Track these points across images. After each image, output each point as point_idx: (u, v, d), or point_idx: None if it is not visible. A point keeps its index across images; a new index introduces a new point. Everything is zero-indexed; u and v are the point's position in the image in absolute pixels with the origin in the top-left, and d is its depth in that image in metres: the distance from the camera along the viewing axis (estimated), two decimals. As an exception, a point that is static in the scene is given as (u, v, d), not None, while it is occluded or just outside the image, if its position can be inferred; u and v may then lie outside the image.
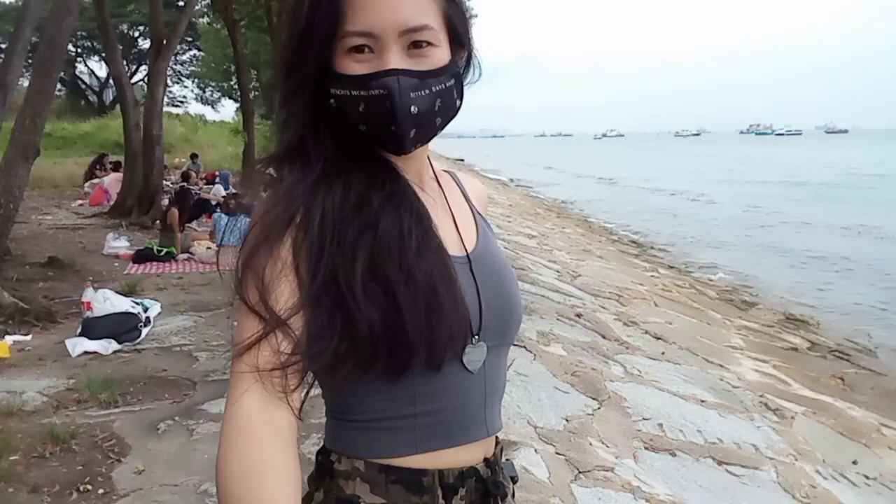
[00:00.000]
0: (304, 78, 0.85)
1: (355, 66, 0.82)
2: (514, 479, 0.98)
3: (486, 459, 0.92)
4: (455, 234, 0.93)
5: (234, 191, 11.51)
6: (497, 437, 0.96)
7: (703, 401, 4.19)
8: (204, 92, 43.99)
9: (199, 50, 39.72)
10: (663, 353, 5.28)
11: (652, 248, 13.60)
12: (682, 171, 38.46)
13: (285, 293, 0.79)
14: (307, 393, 0.87)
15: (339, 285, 0.78)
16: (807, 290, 10.31)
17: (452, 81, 0.86)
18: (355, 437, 0.86)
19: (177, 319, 5.50)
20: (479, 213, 1.03)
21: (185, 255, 8.11)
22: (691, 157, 64.37)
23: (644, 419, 3.64)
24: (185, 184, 12.25)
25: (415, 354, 0.80)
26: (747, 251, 13.42)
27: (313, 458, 0.91)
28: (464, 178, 1.08)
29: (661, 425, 3.59)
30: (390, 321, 0.78)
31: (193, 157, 17.68)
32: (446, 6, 0.86)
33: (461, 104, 0.90)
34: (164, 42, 10.88)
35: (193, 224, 9.66)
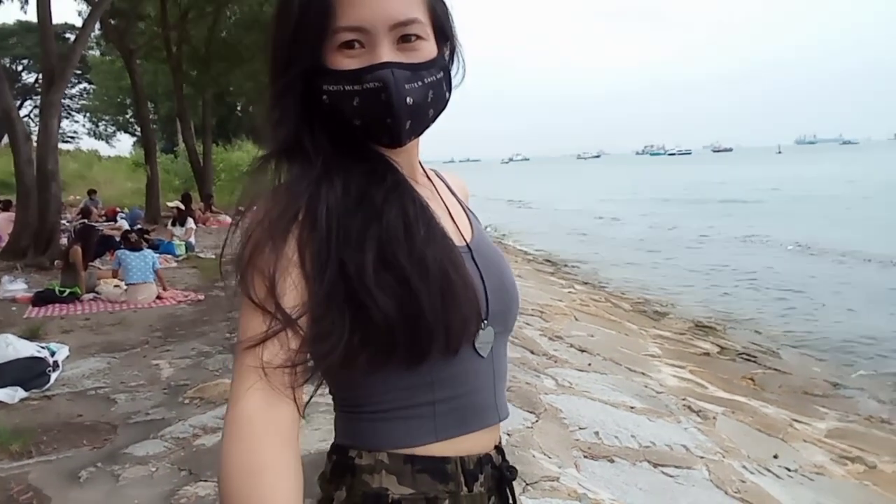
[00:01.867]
0: (296, 76, 0.84)
1: (347, 62, 0.82)
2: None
3: (496, 446, 0.94)
4: (452, 225, 0.94)
5: (139, 226, 11.00)
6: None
7: (632, 407, 4.33)
8: (97, 126, 42.09)
9: (90, 83, 38.06)
10: (590, 365, 5.43)
11: (566, 265, 14.02)
12: (587, 192, 40.00)
13: (292, 290, 0.78)
14: (315, 391, 0.86)
15: (349, 279, 0.78)
16: (711, 297, 10.91)
17: (441, 74, 0.87)
18: (374, 428, 0.86)
19: (88, 362, 5.17)
20: (468, 208, 1.05)
21: (91, 295, 7.67)
22: (594, 178, 67.13)
23: (581, 429, 3.73)
24: (86, 220, 11.59)
25: (434, 339, 0.80)
26: (653, 265, 14.06)
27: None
28: (447, 175, 1.10)
29: (597, 433, 3.68)
30: (406, 309, 0.78)
31: (91, 193, 16.80)
32: (431, 0, 0.87)
33: (450, 97, 0.91)
34: (57, 73, 10.34)
35: (97, 262, 9.15)
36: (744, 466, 3.61)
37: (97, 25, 13.18)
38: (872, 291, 10.77)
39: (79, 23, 15.74)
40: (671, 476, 3.31)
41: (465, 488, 0.86)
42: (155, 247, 10.06)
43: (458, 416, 0.87)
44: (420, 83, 0.84)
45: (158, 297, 7.67)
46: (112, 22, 14.83)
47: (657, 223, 21.92)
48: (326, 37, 0.82)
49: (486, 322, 0.88)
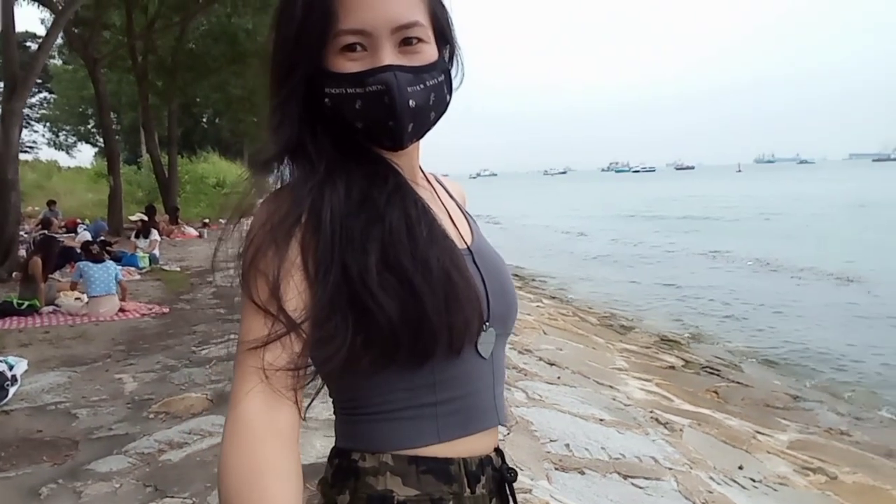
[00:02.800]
0: (298, 79, 0.84)
1: (349, 65, 0.83)
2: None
3: (495, 449, 0.95)
4: (453, 228, 0.94)
5: (102, 238, 10.76)
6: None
7: (601, 420, 4.36)
8: (57, 136, 41.21)
9: (51, 92, 37.31)
10: (559, 378, 5.46)
11: (533, 280, 14.11)
12: (554, 207, 40.43)
13: (295, 293, 0.78)
14: (315, 396, 0.87)
15: (352, 281, 0.78)
16: (675, 311, 11.10)
17: (443, 77, 0.88)
18: (377, 430, 0.85)
19: (48, 376, 5.03)
20: (467, 212, 1.06)
21: (51, 308, 7.47)
22: (561, 193, 67.89)
23: (552, 441, 3.74)
24: (46, 231, 11.31)
25: (438, 340, 0.80)
26: (619, 279, 14.25)
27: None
28: (444, 180, 1.10)
29: (567, 446, 3.70)
30: (410, 310, 0.78)
31: (50, 203, 16.39)
32: (431, 4, 0.88)
33: (451, 100, 0.91)
34: (20, 82, 10.11)
35: (56, 274, 8.92)
36: (711, 477, 3.66)
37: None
38: (828, 307, 11.08)
39: (41, 31, 15.46)
40: (641, 487, 3.34)
41: (468, 490, 0.86)
42: (117, 259, 9.86)
43: (460, 418, 0.87)
44: (422, 86, 0.84)
45: (121, 310, 7.51)
46: (76, 31, 14.58)
47: (622, 239, 22.24)
48: (328, 40, 0.82)
49: (487, 323, 0.89)
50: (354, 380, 0.84)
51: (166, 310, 7.76)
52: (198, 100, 21.67)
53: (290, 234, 0.80)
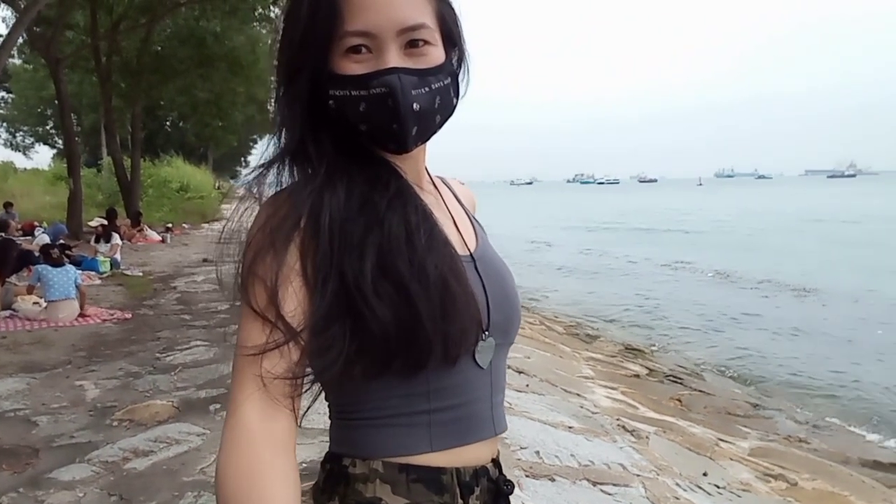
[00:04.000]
0: (303, 80, 0.83)
1: (354, 67, 0.81)
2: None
3: (493, 460, 0.93)
4: (456, 234, 0.93)
5: (61, 241, 10.48)
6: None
7: (570, 427, 4.41)
8: (14, 137, 40.10)
9: (9, 91, 36.33)
10: (527, 386, 5.50)
11: (500, 289, 14.19)
12: (520, 218, 40.73)
13: (293, 299, 0.78)
14: (312, 402, 0.86)
15: (348, 287, 0.77)
16: (639, 320, 11.29)
17: (449, 80, 0.86)
18: (368, 436, 0.84)
19: (5, 383, 4.89)
20: (474, 217, 1.04)
21: (7, 312, 7.26)
22: (527, 204, 68.45)
23: (522, 448, 3.77)
24: (3, 234, 10.98)
25: (433, 349, 0.79)
26: (584, 289, 14.42)
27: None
28: (454, 183, 1.08)
29: (538, 453, 3.73)
30: (404, 317, 0.77)
31: (7, 206, 15.89)
32: (439, 5, 0.87)
33: (458, 103, 0.90)
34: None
35: (13, 278, 8.65)
36: (677, 484, 3.73)
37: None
38: (785, 318, 11.37)
39: (2, 30, 15.07)
40: (610, 494, 3.38)
41: (460, 500, 0.85)
42: (77, 263, 9.60)
43: (455, 427, 0.86)
44: (427, 89, 0.83)
45: (81, 315, 7.32)
46: (38, 30, 14.23)
47: (588, 249, 22.53)
48: (334, 41, 0.81)
49: (486, 333, 0.87)
50: (349, 385, 0.83)
51: (128, 315, 7.59)
52: (162, 103, 21.27)
53: (289, 239, 0.79)
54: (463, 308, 0.81)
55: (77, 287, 7.43)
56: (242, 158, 63.97)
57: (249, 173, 0.88)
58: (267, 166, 0.86)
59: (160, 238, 15.47)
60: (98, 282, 9.77)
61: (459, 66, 0.91)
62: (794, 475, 4.50)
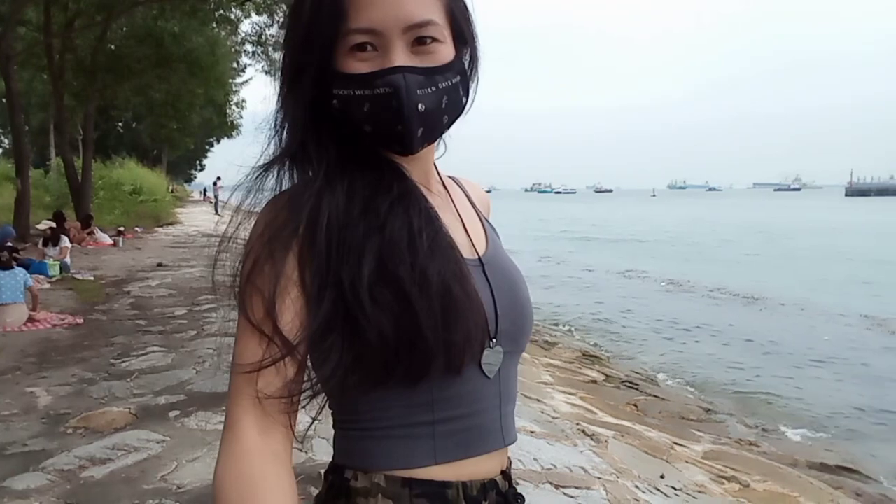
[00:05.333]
0: (306, 80, 0.81)
1: (358, 66, 0.79)
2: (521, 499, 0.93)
3: (502, 472, 0.89)
4: (465, 237, 0.89)
5: (9, 244, 10.12)
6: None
7: (532, 432, 4.47)
8: (-43, 134, 38.61)
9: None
10: (489, 392, 5.56)
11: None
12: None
13: (290, 310, 0.76)
14: (316, 416, 0.84)
15: (344, 295, 0.75)
16: (596, 328, 11.49)
17: (458, 78, 0.83)
18: (370, 447, 0.81)
19: (-48, 390, 4.70)
20: (486, 219, 1.00)
21: (-48, 317, 6.96)
22: (484, 212, 68.81)
23: (486, 453, 3.81)
24: (-56, 235, 10.54)
25: (434, 358, 0.76)
26: (542, 296, 14.59)
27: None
28: (468, 184, 1.05)
29: (501, 457, 3.78)
30: (404, 325, 0.74)
31: (-51, 205, 15.30)
32: (449, 1, 0.83)
33: (467, 102, 0.86)
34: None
35: (-43, 281, 8.33)
36: (636, 486, 3.82)
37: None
38: (735, 324, 11.73)
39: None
40: (572, 497, 3.45)
41: None
42: (26, 266, 9.29)
43: (460, 439, 0.82)
44: (434, 88, 0.79)
45: (31, 320, 7.09)
46: (-15, 24, 13.75)
47: (546, 257, 22.80)
48: (338, 39, 0.78)
49: (494, 341, 0.83)
50: (351, 395, 0.80)
51: (80, 320, 7.38)
52: (116, 103, 20.74)
53: (288, 248, 0.77)
54: (467, 315, 0.77)
55: (28, 289, 7.20)
56: (198, 161, 62.83)
57: (248, 175, 0.85)
58: (266, 168, 0.84)
59: (111, 242, 15.06)
60: (47, 286, 9.46)
61: (471, 64, 0.88)
62: (746, 477, 4.65)
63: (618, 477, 3.89)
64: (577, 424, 5.16)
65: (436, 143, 0.89)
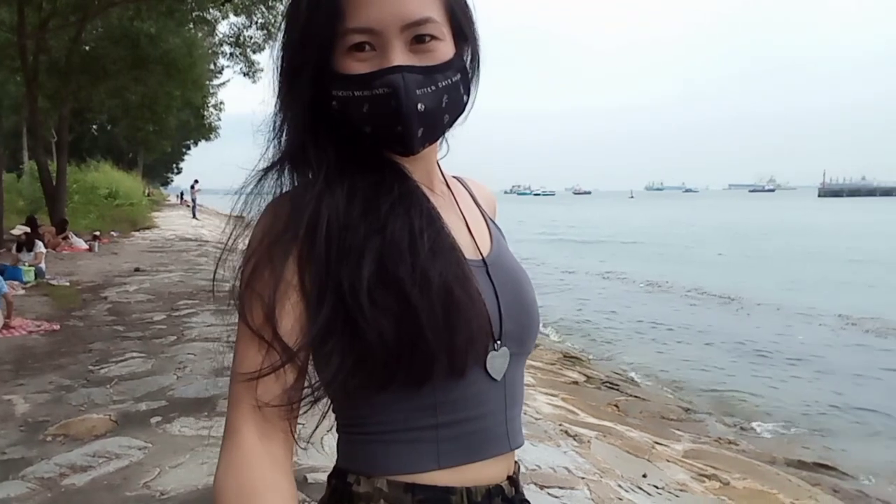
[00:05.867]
0: (304, 81, 0.80)
1: (357, 66, 0.78)
2: None
3: (509, 477, 0.87)
4: (468, 237, 0.88)
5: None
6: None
7: (516, 433, 4.50)
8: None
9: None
10: (472, 394, 5.58)
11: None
12: (458, 227, 40.99)
13: (290, 317, 0.76)
14: (322, 417, 0.84)
15: (343, 297, 0.74)
16: (576, 329, 11.59)
17: (458, 76, 0.82)
18: (373, 451, 0.80)
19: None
20: (491, 219, 0.99)
21: (-76, 324, 6.82)
22: (464, 214, 68.99)
23: (470, 455, 3.83)
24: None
25: (436, 360, 0.75)
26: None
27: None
28: (473, 184, 1.03)
29: (486, 459, 3.80)
30: (405, 327, 0.73)
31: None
32: None
33: (469, 100, 0.85)
34: None
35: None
36: (619, 485, 3.86)
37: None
38: (712, 325, 11.89)
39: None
40: (557, 497, 3.48)
41: None
42: (0, 272, 9.15)
43: (464, 443, 0.81)
44: (433, 87, 0.78)
45: (6, 327, 6.97)
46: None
47: (525, 258, 22.88)
48: (335, 39, 0.78)
49: (499, 342, 0.82)
50: (353, 398, 0.80)
51: (56, 327, 7.27)
52: (92, 105, 20.43)
53: (288, 252, 0.76)
54: (469, 316, 0.77)
55: (3, 296, 7.08)
56: (174, 165, 62.14)
57: (247, 179, 0.83)
58: (266, 171, 0.83)
59: (87, 246, 14.84)
60: (22, 292, 9.30)
61: (473, 61, 0.87)
62: (726, 475, 4.72)
63: (601, 476, 3.93)
64: (560, 425, 5.19)
65: (438, 143, 0.88)
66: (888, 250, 23.12)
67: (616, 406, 6.97)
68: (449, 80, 0.80)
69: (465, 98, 0.84)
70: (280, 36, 0.83)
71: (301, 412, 0.79)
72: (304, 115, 0.81)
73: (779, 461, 5.59)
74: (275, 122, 0.84)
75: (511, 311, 0.85)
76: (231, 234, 0.82)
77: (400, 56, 0.77)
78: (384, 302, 0.74)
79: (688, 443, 5.88)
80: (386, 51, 0.77)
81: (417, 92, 0.77)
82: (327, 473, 0.87)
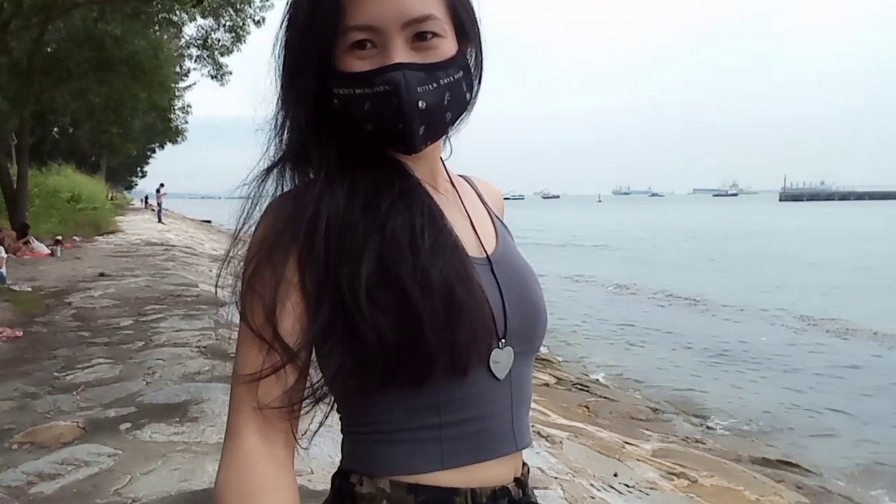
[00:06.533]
0: (305, 80, 0.80)
1: (358, 64, 0.77)
2: None
3: (516, 478, 0.86)
4: (473, 235, 0.87)
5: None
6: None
7: (489, 435, 4.54)
8: None
9: None
10: (445, 397, 5.61)
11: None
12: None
13: (291, 317, 0.75)
14: (325, 417, 0.84)
15: (342, 296, 0.74)
16: (547, 330, 11.69)
17: (461, 74, 0.81)
18: (376, 451, 0.80)
19: None
20: (497, 217, 0.98)
21: None
22: (434, 218, 69.18)
23: (445, 457, 3.86)
24: None
25: (437, 359, 0.74)
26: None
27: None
28: (480, 182, 1.02)
29: (460, 460, 3.83)
30: (405, 326, 0.72)
31: None
32: None
33: (471, 98, 0.85)
34: None
35: None
36: (592, 484, 3.92)
37: None
38: (681, 327, 12.11)
39: None
40: (531, 496, 3.53)
41: None
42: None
43: (468, 443, 0.79)
44: (435, 85, 0.78)
45: (-34, 334, 6.80)
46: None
47: (495, 263, 23.04)
48: (336, 37, 0.77)
49: (503, 341, 0.81)
50: (355, 397, 0.80)
51: (19, 333, 7.10)
52: (53, 107, 19.97)
53: (288, 252, 0.76)
54: (470, 314, 0.76)
55: (-38, 303, 6.90)
56: (139, 168, 61.05)
57: (248, 178, 0.83)
58: (268, 170, 0.83)
59: (49, 251, 14.50)
60: (-18, 297, 9.08)
61: (477, 58, 0.86)
62: (693, 473, 4.82)
63: (574, 476, 3.99)
64: (533, 426, 5.25)
65: (441, 141, 0.88)
66: (846, 254, 23.83)
67: (586, 407, 7.07)
68: (451, 78, 0.80)
69: (467, 96, 0.84)
70: (280, 34, 0.83)
71: (302, 413, 0.78)
72: (307, 114, 0.81)
73: (744, 459, 5.73)
74: (276, 121, 0.83)
75: (516, 308, 0.84)
76: (237, 228, 0.82)
77: (401, 53, 0.77)
78: (383, 301, 0.73)
79: (656, 442, 5.99)
80: (387, 48, 0.77)
81: (419, 89, 0.77)
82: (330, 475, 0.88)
